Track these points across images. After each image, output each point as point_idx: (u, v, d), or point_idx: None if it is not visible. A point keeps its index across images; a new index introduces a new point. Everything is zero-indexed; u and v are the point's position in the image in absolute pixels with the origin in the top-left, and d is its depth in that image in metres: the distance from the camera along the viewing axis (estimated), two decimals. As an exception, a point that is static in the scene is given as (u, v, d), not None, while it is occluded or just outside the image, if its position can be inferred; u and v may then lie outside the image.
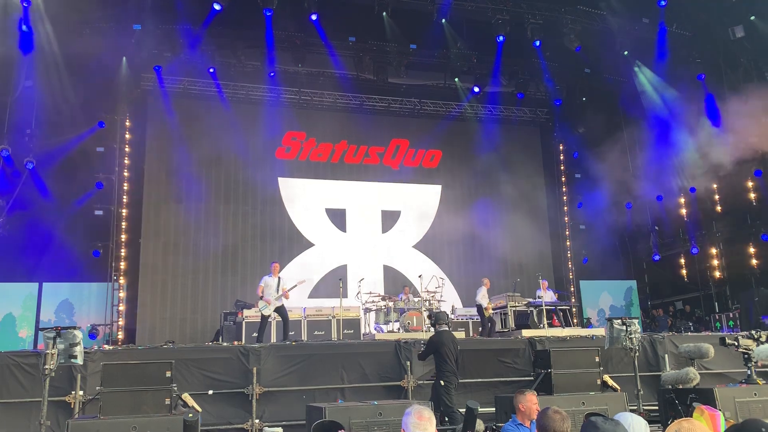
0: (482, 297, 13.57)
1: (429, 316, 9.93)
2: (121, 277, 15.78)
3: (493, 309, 14.73)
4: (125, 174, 16.33)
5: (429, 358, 9.06)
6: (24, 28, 13.00)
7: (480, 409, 8.66)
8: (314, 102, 18.27)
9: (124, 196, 16.22)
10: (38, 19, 13.58)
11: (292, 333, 12.41)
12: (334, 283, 14.72)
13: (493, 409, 8.74)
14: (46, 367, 7.33)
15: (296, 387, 9.42)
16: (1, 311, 14.64)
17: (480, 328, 14.09)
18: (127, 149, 16.39)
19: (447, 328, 9.09)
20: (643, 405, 8.80)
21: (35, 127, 14.57)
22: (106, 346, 10.52)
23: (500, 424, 6.59)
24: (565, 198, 20.17)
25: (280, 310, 11.87)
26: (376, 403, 7.68)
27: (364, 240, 18.16)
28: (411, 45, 17.47)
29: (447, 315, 9.58)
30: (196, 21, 15.11)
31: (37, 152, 14.53)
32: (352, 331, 13.46)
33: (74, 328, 7.78)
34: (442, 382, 8.65)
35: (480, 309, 13.56)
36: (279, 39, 16.43)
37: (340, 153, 18.45)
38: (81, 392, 8.62)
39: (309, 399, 9.09)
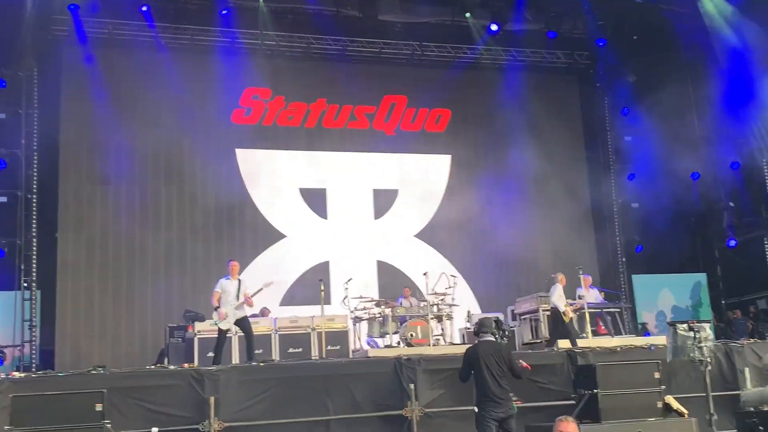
0: (559, 297, 13.44)
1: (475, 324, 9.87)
2: (34, 284, 15.73)
3: (521, 315, 14.81)
4: (35, 148, 16.20)
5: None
6: None
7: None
8: (281, 49, 18.20)
9: (35, 178, 16.09)
10: None
11: (260, 351, 12.42)
12: (314, 285, 14.70)
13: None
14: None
15: (267, 420, 9.45)
16: None
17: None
18: (36, 116, 16.24)
19: (492, 339, 9.03)
20: (717, 433, 8.87)
21: None
22: (16, 373, 10.50)
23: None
24: (612, 168, 20.19)
25: (242, 323, 11.88)
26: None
27: (350, 229, 18.18)
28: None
29: (495, 322, 9.48)
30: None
31: None
32: (338, 347, 13.45)
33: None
34: (476, 410, 8.72)
35: (556, 314, 13.45)
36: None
37: (317, 115, 18.42)
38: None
39: (284, 436, 9.13)
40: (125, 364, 14.76)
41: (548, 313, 14.00)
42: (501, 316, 15.23)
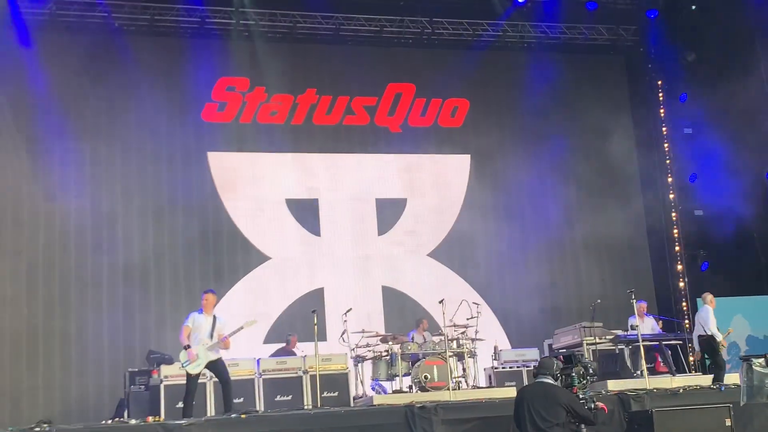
0: (714, 324, 13.51)
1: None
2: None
3: (560, 350, 14.77)
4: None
5: None
6: None
7: None
8: (261, 29, 18.26)
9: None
10: None
11: (240, 400, 12.44)
12: (306, 317, 14.74)
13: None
14: None
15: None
16: None
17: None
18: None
19: (548, 380, 9.15)
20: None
21: None
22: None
23: None
24: (669, 168, 20.19)
25: (216, 366, 11.89)
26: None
27: (349, 248, 18.23)
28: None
29: (558, 363, 9.59)
30: None
31: None
32: (336, 394, 13.49)
33: None
34: None
35: (710, 344, 13.40)
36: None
37: (306, 109, 18.51)
38: None
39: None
40: (77, 418, 14.79)
41: (598, 347, 14.05)
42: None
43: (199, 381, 12.19)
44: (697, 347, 15.00)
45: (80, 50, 17.10)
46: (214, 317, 12.02)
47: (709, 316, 13.52)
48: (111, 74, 17.10)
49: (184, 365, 11.84)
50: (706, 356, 14.45)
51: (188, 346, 11.82)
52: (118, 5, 17.26)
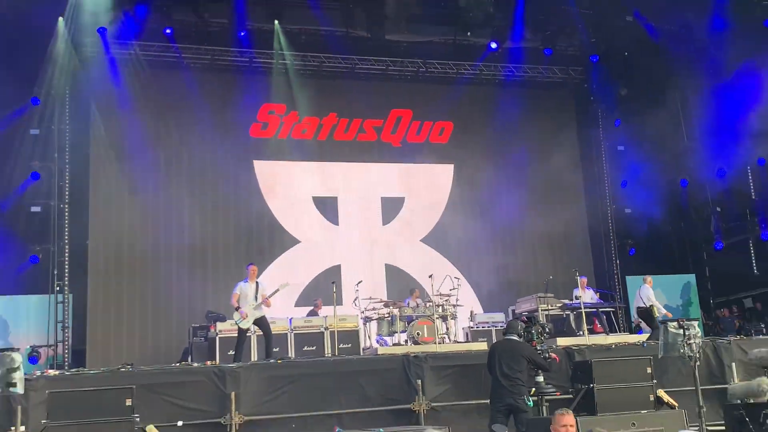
0: (654, 298, 13.52)
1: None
2: (66, 288, 15.77)
3: (524, 313, 14.77)
4: (67, 161, 16.26)
5: None
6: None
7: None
8: (295, 67, 18.20)
9: (67, 189, 16.16)
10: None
11: (277, 349, 12.47)
12: (327, 287, 14.76)
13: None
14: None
15: (284, 414, 9.49)
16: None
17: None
18: (68, 131, 16.28)
19: (516, 338, 9.20)
20: (706, 424, 8.85)
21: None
22: (51, 371, 10.55)
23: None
24: (606, 176, 20.15)
25: (261, 322, 11.94)
26: (381, 430, 7.76)
27: (360, 234, 18.22)
28: (413, -7, 17.45)
29: (521, 324, 9.67)
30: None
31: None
32: (349, 345, 13.49)
33: (11, 350, 7.87)
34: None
35: (649, 313, 13.32)
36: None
37: (329, 129, 18.46)
38: (22, 428, 8.67)
39: (300, 428, 9.16)
40: (152, 361, 14.78)
41: (550, 313, 14.06)
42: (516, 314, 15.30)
43: (247, 335, 12.25)
44: (635, 316, 15.02)
45: (157, 82, 17.14)
46: (257, 284, 12.09)
47: (650, 293, 13.47)
48: (181, 101, 17.12)
49: (237, 322, 11.89)
50: (642, 323, 14.44)
51: (239, 308, 11.87)
52: (186, 47, 17.24)
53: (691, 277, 19.57)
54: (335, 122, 18.51)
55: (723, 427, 9.27)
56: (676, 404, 9.51)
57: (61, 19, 15.73)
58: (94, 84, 16.68)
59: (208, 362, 11.29)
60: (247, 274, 12.26)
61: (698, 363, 9.14)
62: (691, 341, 9.09)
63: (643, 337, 12.73)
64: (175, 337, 16.04)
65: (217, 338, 13.39)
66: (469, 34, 18.51)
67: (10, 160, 15.52)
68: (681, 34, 17.59)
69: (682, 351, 9.11)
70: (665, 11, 17.41)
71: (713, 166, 18.20)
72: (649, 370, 9.01)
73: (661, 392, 9.48)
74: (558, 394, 9.54)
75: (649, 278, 14.05)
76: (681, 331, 9.16)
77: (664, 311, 13.95)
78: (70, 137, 16.31)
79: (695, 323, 9.38)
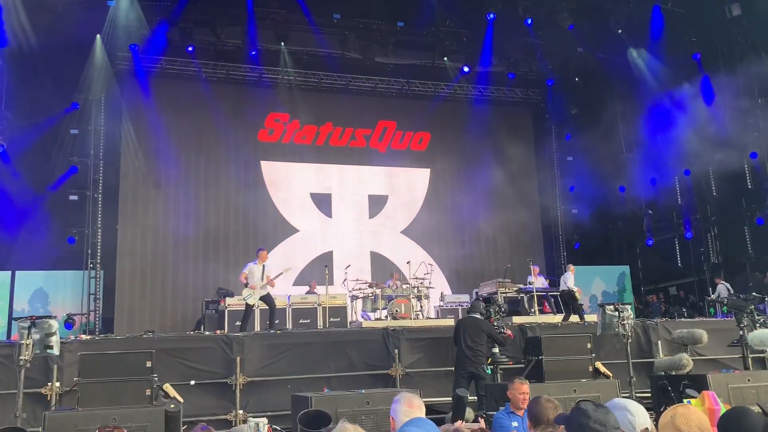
0: (572, 283, 13.39)
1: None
2: (98, 265, 15.64)
3: (485, 295, 14.81)
4: (101, 158, 16.12)
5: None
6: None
7: (471, 398, 8.83)
8: (297, 82, 18.11)
9: (100, 181, 16.03)
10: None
11: (276, 321, 12.41)
12: (320, 270, 14.73)
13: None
14: (21, 358, 7.31)
15: (281, 376, 9.45)
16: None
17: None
18: (102, 132, 16.14)
19: (478, 316, 9.23)
20: (635, 392, 8.92)
21: (5, 108, 14.37)
22: (83, 336, 10.46)
23: (492, 413, 6.68)
24: (557, 182, 20.23)
25: (267, 298, 11.84)
26: (363, 392, 7.75)
27: (350, 226, 18.16)
28: (399, 23, 17.40)
29: (482, 304, 9.71)
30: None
31: (8, 135, 14.35)
32: (338, 319, 13.43)
33: (49, 317, 7.77)
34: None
35: (569, 295, 13.39)
36: (261, 16, 16.31)
37: (325, 135, 18.37)
38: (57, 384, 8.59)
39: (295, 389, 9.13)
40: (170, 329, 14.77)
41: (507, 295, 14.09)
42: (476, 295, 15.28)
43: (252, 309, 12.18)
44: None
45: (179, 91, 17.01)
46: (263, 266, 11.98)
47: (570, 279, 13.41)
48: (199, 108, 16.95)
49: (245, 298, 11.79)
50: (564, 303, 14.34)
51: (247, 284, 11.79)
52: (205, 63, 17.10)
53: (626, 268, 19.70)
54: (331, 130, 18.41)
55: (649, 395, 9.34)
56: (610, 375, 9.57)
57: (99, 36, 15.55)
58: (126, 91, 16.57)
59: (218, 331, 11.21)
60: (257, 256, 12.13)
61: (630, 340, 9.22)
62: (625, 322, 9.16)
63: (585, 318, 12.72)
64: (190, 310, 15.92)
65: (226, 311, 13.26)
66: (445, 59, 18.48)
67: (52, 155, 15.37)
68: (622, 63, 17.68)
69: (617, 330, 9.18)
70: (609, 44, 17.50)
71: (647, 176, 18.35)
72: (589, 345, 9.03)
73: (598, 364, 9.53)
74: (510, 363, 9.58)
75: (572, 267, 13.88)
76: (616, 314, 9.23)
77: (576, 291, 13.67)
78: (105, 137, 16.19)
79: (628, 307, 9.46)
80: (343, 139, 18.54)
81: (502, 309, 10.08)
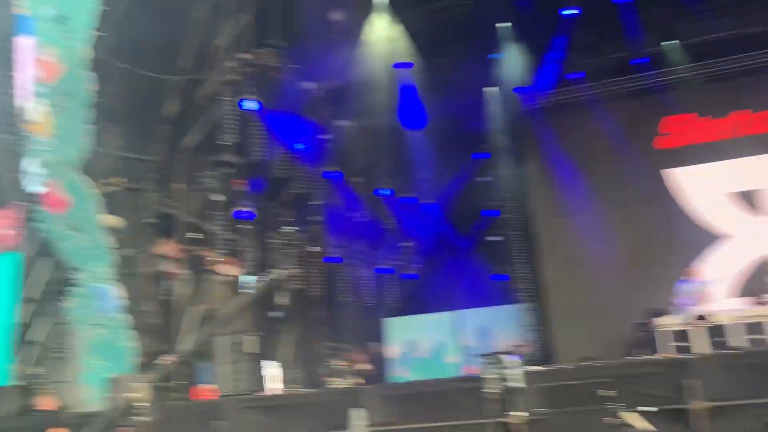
0: None
1: None
2: (530, 298, 16.81)
3: None
4: (514, 198, 17.67)
5: None
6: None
7: None
8: (689, 77, 16.60)
9: (516, 220, 17.46)
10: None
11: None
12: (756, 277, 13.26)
13: None
14: (488, 389, 8.39)
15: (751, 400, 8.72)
16: (433, 340, 17.15)
17: None
18: (511, 174, 17.70)
19: None
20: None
21: (421, 167, 16.86)
22: (534, 367, 11.24)
23: None
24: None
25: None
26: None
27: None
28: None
29: None
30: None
31: (429, 191, 16.99)
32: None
33: (508, 353, 8.78)
34: None
35: None
36: (641, 21, 15.89)
37: (732, 126, 16.61)
38: (522, 413, 9.40)
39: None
40: (599, 355, 14.86)
41: None
42: None
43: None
44: None
45: (567, 120, 17.48)
46: (695, 282, 11.42)
47: None
48: (589, 131, 17.19)
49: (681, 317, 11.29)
50: None
51: (681, 304, 11.30)
52: (591, 85, 17.23)
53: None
54: (739, 119, 16.56)
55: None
56: None
57: (488, 89, 17.25)
58: (523, 132, 17.80)
59: (661, 354, 10.91)
60: (685, 274, 11.58)
61: None
62: None
63: None
64: (618, 333, 15.48)
65: (656, 332, 12.85)
66: None
67: (472, 203, 17.45)
68: None
69: None
70: None
71: None
72: None
73: None
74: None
75: None
76: None
77: None
78: (514, 178, 17.70)
79: None
80: (755, 126, 16.51)
81: None
